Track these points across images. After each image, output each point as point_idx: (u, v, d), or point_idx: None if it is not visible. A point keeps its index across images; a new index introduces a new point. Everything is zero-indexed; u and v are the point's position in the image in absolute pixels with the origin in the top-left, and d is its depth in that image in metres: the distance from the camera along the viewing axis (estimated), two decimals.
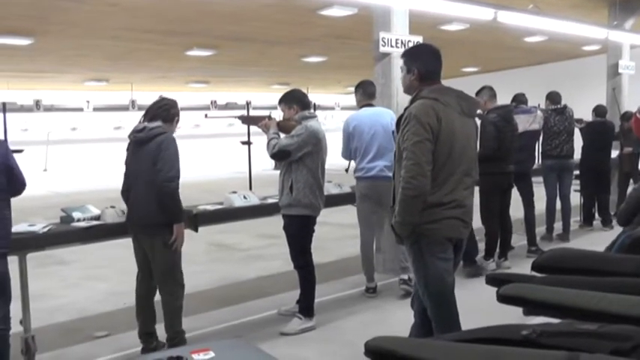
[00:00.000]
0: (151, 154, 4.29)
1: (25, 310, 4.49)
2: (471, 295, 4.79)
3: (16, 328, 4.13)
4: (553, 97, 8.19)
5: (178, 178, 4.34)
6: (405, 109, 3.50)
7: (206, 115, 6.64)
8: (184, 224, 4.49)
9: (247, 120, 5.71)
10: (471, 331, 1.76)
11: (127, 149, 4.58)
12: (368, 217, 5.93)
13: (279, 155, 4.96)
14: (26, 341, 4.49)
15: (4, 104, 11.13)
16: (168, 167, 4.27)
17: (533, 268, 2.22)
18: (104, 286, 6.75)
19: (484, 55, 17.17)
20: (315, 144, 4.97)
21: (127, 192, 4.55)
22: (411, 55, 3.66)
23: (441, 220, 3.42)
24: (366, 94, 6.02)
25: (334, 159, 6.13)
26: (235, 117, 5.76)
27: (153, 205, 4.32)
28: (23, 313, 4.47)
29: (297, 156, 4.92)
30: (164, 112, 4.49)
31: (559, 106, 8.10)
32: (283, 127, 5.11)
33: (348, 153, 5.97)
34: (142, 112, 4.63)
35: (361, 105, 6.00)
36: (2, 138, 3.98)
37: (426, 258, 3.48)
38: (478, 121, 5.91)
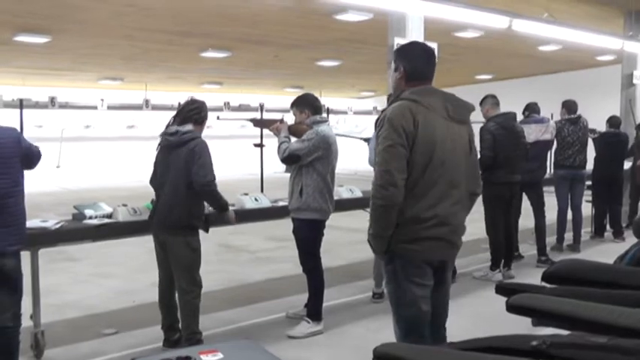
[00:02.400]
0: (183, 159, 4.36)
1: (35, 305, 4.54)
2: (480, 303, 4.79)
3: (26, 322, 4.16)
4: (569, 106, 8.12)
5: (215, 179, 4.43)
6: (382, 111, 3.24)
7: (218, 117, 6.65)
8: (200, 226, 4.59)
9: (259, 123, 5.73)
10: (480, 340, 1.76)
11: (157, 149, 4.60)
12: None
13: (290, 159, 4.97)
14: (35, 336, 4.55)
15: (21, 100, 11.21)
16: (204, 172, 4.34)
17: (544, 278, 2.21)
18: (114, 284, 6.78)
19: (498, 63, 17.13)
20: (326, 149, 4.98)
21: (154, 185, 4.63)
22: (400, 52, 3.33)
23: (421, 241, 3.06)
24: None
25: (345, 163, 6.12)
26: (247, 120, 5.77)
27: (178, 207, 4.40)
28: (33, 308, 4.52)
29: (308, 160, 4.93)
30: (196, 114, 4.53)
31: (573, 115, 8.06)
32: (294, 130, 5.12)
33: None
34: (156, 112, 4.70)
35: None
36: (14, 129, 3.97)
37: (400, 281, 3.14)
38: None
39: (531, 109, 7.88)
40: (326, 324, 5.15)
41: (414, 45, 3.38)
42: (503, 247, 6.87)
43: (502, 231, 6.84)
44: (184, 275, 4.49)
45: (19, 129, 9.46)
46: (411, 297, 3.12)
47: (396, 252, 3.10)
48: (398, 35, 6.84)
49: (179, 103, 4.81)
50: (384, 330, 5.14)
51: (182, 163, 4.36)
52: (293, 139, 5.06)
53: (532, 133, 7.38)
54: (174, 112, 4.69)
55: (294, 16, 10.10)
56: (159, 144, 4.57)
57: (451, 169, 3.09)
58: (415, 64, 3.21)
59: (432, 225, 3.04)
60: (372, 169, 5.79)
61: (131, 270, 7.28)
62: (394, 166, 2.97)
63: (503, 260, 6.88)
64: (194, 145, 4.36)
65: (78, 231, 4.79)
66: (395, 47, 6.67)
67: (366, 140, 6.34)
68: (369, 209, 6.07)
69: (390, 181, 2.97)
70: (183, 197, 4.38)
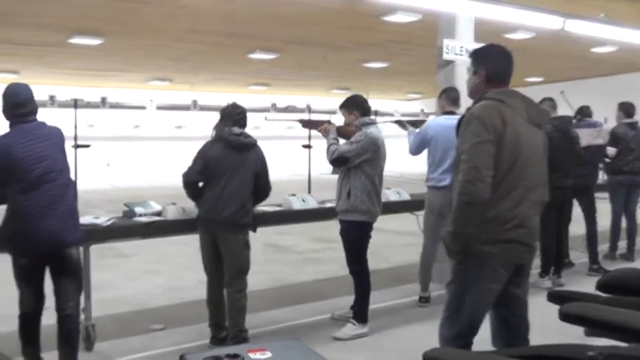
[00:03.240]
0: (251, 162, 4.67)
1: (87, 299, 4.65)
2: (530, 310, 4.68)
3: None
4: (627, 109, 7.82)
5: None
6: (467, 110, 3.21)
7: (266, 118, 6.70)
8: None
9: (307, 124, 5.74)
10: (534, 348, 1.73)
11: (215, 145, 4.65)
12: (434, 227, 5.80)
13: (338, 161, 4.98)
14: (87, 329, 4.67)
15: (75, 101, 11.47)
16: (268, 177, 4.78)
17: (599, 287, 2.15)
18: (161, 281, 6.89)
19: (549, 65, 16.81)
20: (375, 151, 4.97)
21: (196, 182, 4.68)
22: (479, 55, 3.34)
23: (500, 243, 3.03)
24: (450, 99, 5.89)
25: (392, 165, 6.09)
26: (296, 120, 5.79)
27: (243, 205, 4.59)
28: (85, 302, 4.62)
29: (356, 162, 4.93)
30: (242, 119, 4.73)
31: (632, 120, 7.80)
32: (343, 132, 5.13)
33: (417, 151, 5.89)
34: (204, 113, 4.82)
35: (443, 111, 5.91)
36: (59, 128, 4.11)
37: (469, 282, 3.10)
38: None
39: (583, 113, 7.70)
40: (371, 327, 5.12)
41: (492, 48, 3.35)
42: (553, 253, 6.73)
43: (553, 237, 6.70)
44: (238, 274, 4.63)
45: (73, 128, 9.77)
46: (477, 301, 3.11)
47: (472, 252, 3.06)
48: (447, 37, 6.79)
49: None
50: (429, 334, 5.07)
51: (252, 165, 4.65)
52: (342, 141, 5.06)
53: (584, 138, 7.20)
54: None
55: (342, 17, 10.09)
56: (217, 141, 4.64)
57: (531, 172, 3.11)
58: (495, 67, 3.24)
59: (512, 227, 3.03)
60: (416, 172, 5.82)
61: (178, 267, 7.38)
62: (482, 163, 2.96)
63: (553, 267, 6.75)
64: (261, 152, 4.75)
65: (128, 228, 4.88)
66: (444, 49, 6.66)
67: (398, 123, 6.36)
68: (417, 213, 6.09)
69: (478, 176, 2.95)
70: (248, 197, 4.64)
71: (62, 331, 4.01)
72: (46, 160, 3.82)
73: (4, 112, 3.93)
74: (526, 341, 3.27)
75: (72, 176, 4.13)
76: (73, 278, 4.02)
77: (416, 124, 6.24)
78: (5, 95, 3.94)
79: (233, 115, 4.68)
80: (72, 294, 4.02)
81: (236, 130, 4.62)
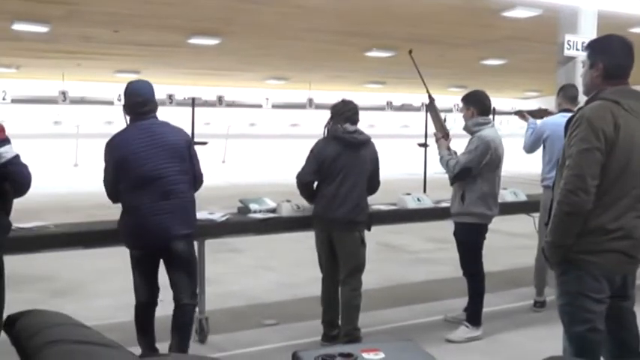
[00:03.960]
0: (367, 159, 4.67)
1: (200, 292, 4.75)
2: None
3: None
4: None
5: None
6: (578, 110, 3.01)
7: (411, 51, 6.14)
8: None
9: (431, 107, 5.40)
10: None
11: (329, 144, 4.63)
12: None
13: (462, 174, 4.85)
14: (200, 322, 4.79)
15: (193, 99, 11.89)
16: (378, 174, 4.77)
17: None
18: (274, 276, 7.00)
19: None
20: (492, 153, 4.85)
21: (311, 183, 4.68)
22: (597, 46, 3.06)
23: (602, 253, 2.87)
24: (567, 97, 5.65)
25: (507, 165, 5.92)
26: (429, 96, 5.46)
27: (358, 203, 4.60)
28: (199, 295, 4.73)
29: (479, 168, 4.83)
30: (354, 115, 4.70)
31: None
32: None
33: (532, 149, 5.78)
34: (319, 111, 4.82)
35: (561, 109, 5.69)
36: (180, 127, 4.26)
37: (575, 295, 2.95)
38: None
39: None
40: (484, 330, 5.01)
41: (612, 39, 3.07)
42: None
43: None
44: (354, 272, 4.64)
45: (190, 125, 10.10)
46: (586, 313, 2.94)
47: (573, 263, 2.92)
48: (569, 32, 6.53)
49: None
50: (544, 340, 4.90)
51: (367, 162, 4.64)
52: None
53: None
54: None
55: (460, 14, 9.88)
56: (330, 139, 4.64)
57: None
58: (615, 61, 2.98)
59: (615, 237, 2.86)
60: (531, 172, 5.57)
61: (291, 264, 7.47)
62: (588, 172, 2.79)
63: None
64: (375, 148, 4.73)
65: (243, 224, 4.99)
66: (565, 44, 6.38)
67: (517, 113, 6.23)
68: (534, 214, 5.88)
69: (582, 186, 2.80)
70: (363, 194, 4.64)
71: (176, 318, 4.14)
72: (157, 155, 3.92)
73: (124, 108, 4.06)
74: (637, 354, 3.09)
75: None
76: (184, 271, 4.11)
77: (536, 114, 6.04)
78: (127, 92, 4.05)
79: (344, 112, 4.66)
80: (184, 286, 4.12)
81: (350, 127, 4.60)
